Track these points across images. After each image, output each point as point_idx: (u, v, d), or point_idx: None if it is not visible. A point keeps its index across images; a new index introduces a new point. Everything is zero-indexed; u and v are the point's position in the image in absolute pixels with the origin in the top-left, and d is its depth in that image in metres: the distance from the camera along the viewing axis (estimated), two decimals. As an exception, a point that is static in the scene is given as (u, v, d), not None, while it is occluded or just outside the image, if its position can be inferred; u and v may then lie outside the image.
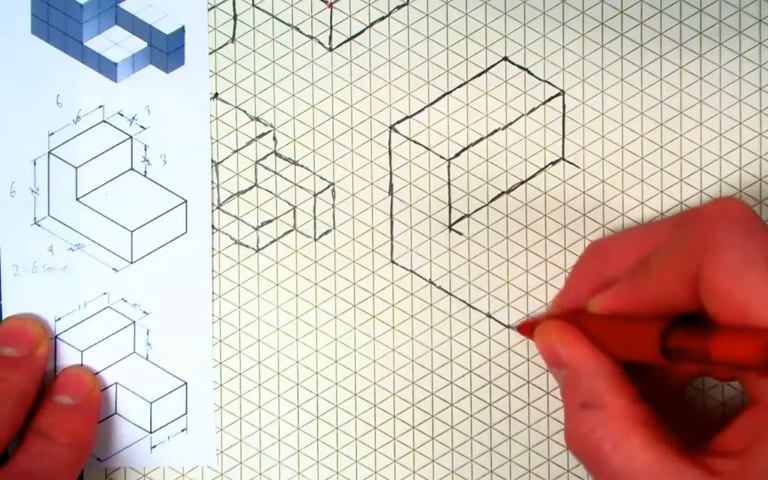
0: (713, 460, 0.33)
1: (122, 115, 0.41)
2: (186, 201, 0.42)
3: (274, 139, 0.42)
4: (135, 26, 0.41)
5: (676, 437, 0.34)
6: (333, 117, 0.42)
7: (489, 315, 0.42)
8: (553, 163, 0.41)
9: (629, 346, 0.35)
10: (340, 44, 0.41)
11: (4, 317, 0.41)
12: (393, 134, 0.42)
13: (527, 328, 0.40)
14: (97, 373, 0.42)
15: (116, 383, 0.42)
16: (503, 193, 0.42)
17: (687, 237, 0.34)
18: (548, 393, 0.42)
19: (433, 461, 0.42)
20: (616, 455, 0.34)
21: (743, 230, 0.33)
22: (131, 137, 0.41)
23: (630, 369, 0.36)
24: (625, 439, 0.34)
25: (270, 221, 0.42)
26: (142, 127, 0.41)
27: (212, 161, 0.42)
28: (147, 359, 0.42)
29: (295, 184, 0.42)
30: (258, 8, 0.41)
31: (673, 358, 0.33)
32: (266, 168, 0.42)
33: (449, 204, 0.42)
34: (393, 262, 0.42)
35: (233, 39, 0.42)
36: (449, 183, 0.41)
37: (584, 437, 0.35)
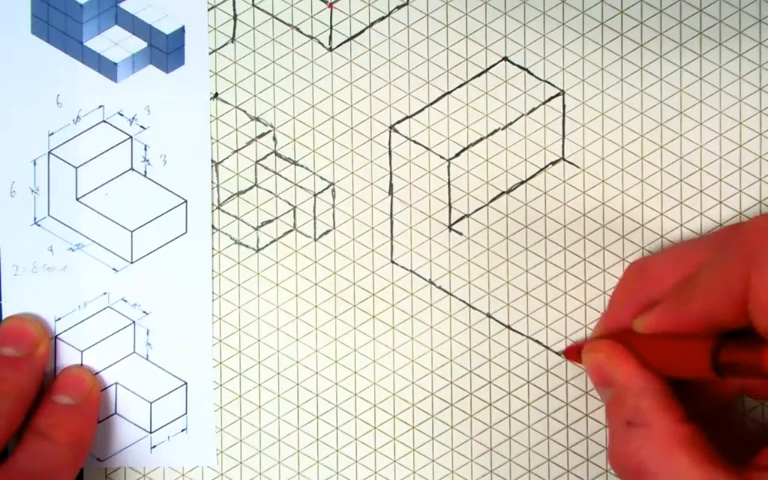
0: (760, 475, 0.33)
1: (122, 115, 0.41)
2: (186, 201, 0.42)
3: (274, 139, 0.42)
4: (135, 26, 0.41)
5: (721, 455, 0.34)
6: (333, 117, 0.42)
7: (489, 315, 0.42)
8: (553, 163, 0.41)
9: (678, 362, 0.36)
10: (340, 44, 0.41)
11: (4, 317, 0.41)
12: (393, 134, 0.42)
13: (573, 352, 0.40)
14: (97, 373, 0.42)
15: (116, 383, 0.42)
16: (503, 193, 0.41)
17: (732, 255, 0.34)
18: (548, 393, 0.42)
19: (433, 461, 0.42)
20: (663, 474, 0.34)
21: None
22: (131, 137, 0.41)
23: (674, 386, 0.36)
24: (671, 459, 0.34)
25: (270, 221, 0.42)
26: (142, 127, 0.41)
27: (212, 161, 0.42)
28: (147, 359, 0.42)
29: (295, 184, 0.42)
30: (258, 8, 0.41)
31: (724, 373, 0.34)
32: (266, 168, 0.42)
33: (449, 204, 0.42)
34: (393, 262, 0.42)
35: (233, 39, 0.42)
36: (449, 183, 0.41)
37: (629, 456, 0.35)
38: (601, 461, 0.42)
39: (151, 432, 0.42)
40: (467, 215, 0.42)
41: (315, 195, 0.42)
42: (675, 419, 0.35)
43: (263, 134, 0.42)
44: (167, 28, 0.41)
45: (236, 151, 0.42)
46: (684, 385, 0.36)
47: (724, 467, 0.33)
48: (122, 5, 0.41)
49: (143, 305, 0.42)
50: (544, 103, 0.41)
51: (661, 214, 0.41)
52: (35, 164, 0.41)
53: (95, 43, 0.41)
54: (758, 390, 0.38)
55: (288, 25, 0.41)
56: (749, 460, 0.34)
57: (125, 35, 0.41)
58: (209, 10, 0.41)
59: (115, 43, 0.41)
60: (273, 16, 0.41)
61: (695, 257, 0.37)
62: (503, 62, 0.41)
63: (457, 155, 0.41)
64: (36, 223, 0.41)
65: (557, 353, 0.41)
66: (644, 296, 0.38)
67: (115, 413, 0.42)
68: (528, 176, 0.41)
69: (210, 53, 0.41)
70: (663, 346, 0.36)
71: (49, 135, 0.41)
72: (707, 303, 0.35)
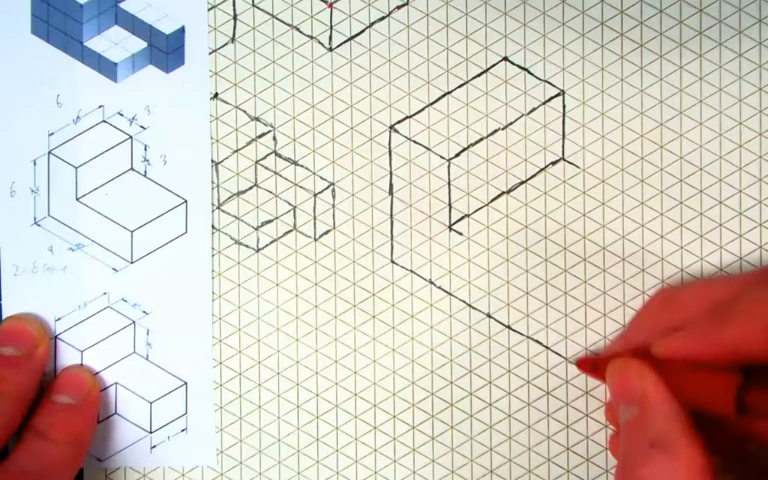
0: None
1: (122, 115, 0.41)
2: (186, 201, 0.42)
3: (274, 139, 0.42)
4: (135, 26, 0.41)
5: None
6: (333, 117, 0.42)
7: (489, 315, 0.42)
8: (553, 163, 0.41)
9: (701, 395, 0.36)
10: (340, 44, 0.41)
11: (4, 317, 0.41)
12: (393, 134, 0.42)
13: (588, 364, 0.40)
14: (97, 373, 0.42)
15: (116, 383, 0.42)
16: (503, 193, 0.42)
17: None
18: (548, 393, 0.42)
19: (433, 461, 0.42)
20: None
21: None
22: (131, 137, 0.41)
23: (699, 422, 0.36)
24: None
25: (270, 221, 0.42)
26: (142, 127, 0.41)
27: (212, 161, 0.42)
28: (147, 359, 0.42)
29: (295, 184, 0.42)
30: (258, 8, 0.41)
31: (748, 413, 0.33)
32: (266, 168, 0.42)
33: (449, 204, 0.42)
34: (393, 262, 0.42)
35: (233, 39, 0.42)
36: (449, 183, 0.41)
37: (647, 477, 0.35)
38: (601, 461, 0.42)
39: (151, 432, 0.42)
40: (467, 215, 0.42)
41: (315, 195, 0.42)
42: (700, 450, 0.35)
43: (263, 134, 0.42)
44: (167, 28, 0.41)
45: (236, 151, 0.42)
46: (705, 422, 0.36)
47: None
48: (122, 5, 0.41)
49: (143, 305, 0.42)
50: (544, 103, 0.41)
51: (661, 214, 0.41)
52: (35, 164, 0.41)
53: (95, 43, 0.41)
54: None
55: (288, 25, 0.41)
56: None
57: (125, 35, 0.41)
58: (209, 10, 0.41)
59: (115, 43, 0.41)
60: (273, 16, 0.41)
61: (728, 291, 0.37)
62: (503, 62, 0.41)
63: (457, 155, 0.41)
64: (36, 223, 0.41)
65: (557, 353, 0.41)
66: (669, 323, 0.38)
67: (115, 413, 0.42)
68: (528, 176, 0.41)
69: (210, 53, 0.41)
70: (686, 375, 0.36)
71: (49, 135, 0.41)
72: (741, 334, 0.35)
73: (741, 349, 0.35)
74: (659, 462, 0.35)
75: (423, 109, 0.41)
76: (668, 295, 0.39)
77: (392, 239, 0.42)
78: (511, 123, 0.41)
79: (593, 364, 0.40)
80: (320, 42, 0.41)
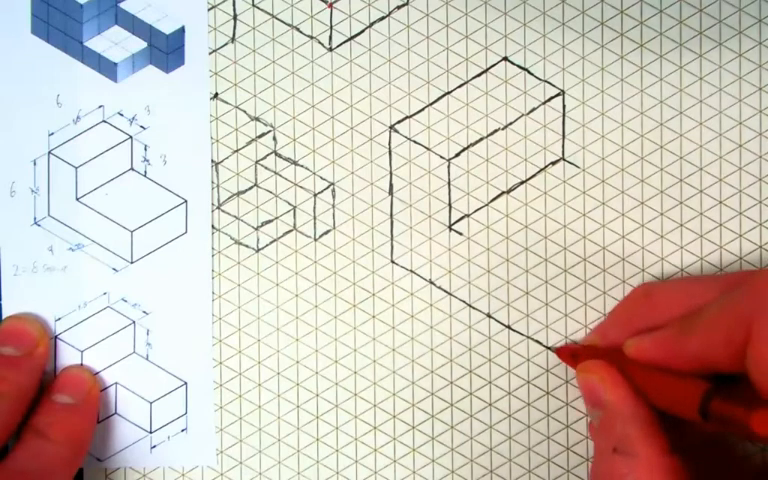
0: None
1: (122, 115, 0.41)
2: (186, 201, 0.42)
3: (274, 139, 0.42)
4: (135, 26, 0.41)
5: None
6: (333, 117, 0.42)
7: (489, 315, 0.42)
8: (553, 163, 0.41)
9: (668, 398, 0.36)
10: (340, 44, 0.41)
11: (4, 317, 0.41)
12: (393, 134, 0.42)
13: (566, 353, 0.40)
14: (97, 373, 0.42)
15: (116, 383, 0.42)
16: (503, 193, 0.42)
17: (738, 302, 0.34)
18: (548, 393, 0.42)
19: (433, 461, 0.42)
20: None
21: None
22: (131, 137, 0.41)
23: (662, 413, 0.36)
24: None
25: (270, 221, 0.42)
26: (142, 127, 0.41)
27: (212, 161, 0.42)
28: (147, 359, 0.42)
29: (295, 184, 0.42)
30: (258, 8, 0.41)
31: (711, 421, 0.33)
32: (266, 168, 0.42)
33: (449, 204, 0.42)
34: (393, 262, 0.42)
35: (233, 39, 0.42)
36: (449, 183, 0.41)
37: None
38: (601, 461, 0.42)
39: (151, 432, 0.42)
40: (467, 215, 0.42)
41: (315, 195, 0.42)
42: (660, 450, 0.35)
43: (263, 134, 0.42)
44: (167, 28, 0.41)
45: (236, 151, 0.42)
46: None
47: None
48: (122, 5, 0.41)
49: (143, 305, 0.42)
50: (544, 103, 0.41)
51: (661, 214, 0.41)
52: (35, 164, 0.41)
53: (95, 43, 0.41)
54: (747, 437, 0.38)
55: (288, 25, 0.41)
56: None
57: (125, 35, 0.41)
58: (209, 10, 0.41)
59: (115, 43, 0.41)
60: (273, 16, 0.41)
61: (704, 293, 0.37)
62: (503, 62, 0.41)
63: (457, 155, 0.41)
64: (36, 223, 0.41)
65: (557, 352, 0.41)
66: (645, 320, 0.38)
67: (115, 413, 0.42)
68: (528, 176, 0.41)
69: (210, 53, 0.41)
70: (654, 378, 0.36)
71: (49, 135, 0.41)
72: (705, 345, 0.35)
73: (704, 360, 0.35)
74: (622, 466, 0.35)
75: (423, 109, 0.41)
76: (647, 291, 0.39)
77: (392, 239, 0.42)
78: (511, 123, 0.41)
79: (572, 353, 0.40)
80: (320, 42, 0.41)
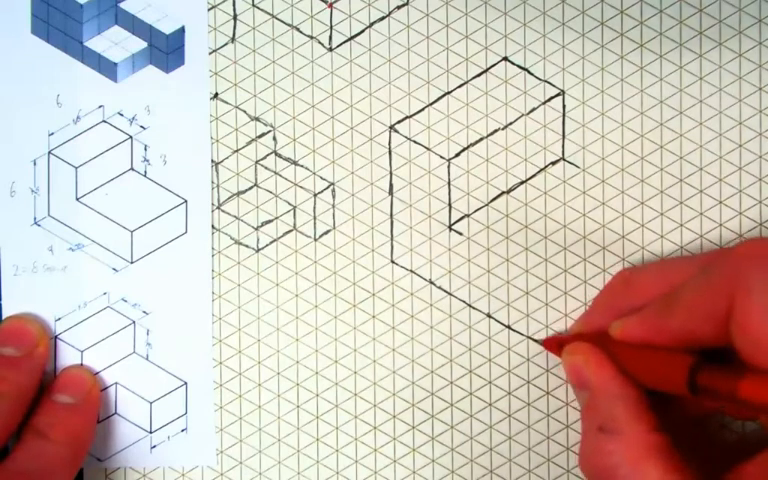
0: None
1: (122, 115, 0.41)
2: (186, 201, 0.42)
3: (274, 139, 0.42)
4: (135, 26, 0.41)
5: (693, 466, 0.34)
6: (333, 117, 0.42)
7: (489, 315, 0.42)
8: (553, 163, 0.41)
9: (656, 375, 0.36)
10: (340, 44, 0.41)
11: (4, 317, 0.41)
12: (393, 134, 0.42)
13: (553, 344, 0.40)
14: (97, 373, 0.42)
15: (116, 383, 0.42)
16: (503, 193, 0.42)
17: (718, 275, 0.34)
18: (548, 393, 0.42)
19: (433, 461, 0.42)
20: None
21: None
22: (131, 137, 0.41)
23: (650, 394, 0.36)
24: (640, 468, 0.34)
25: (270, 221, 0.42)
26: (142, 127, 0.41)
27: (212, 161, 0.42)
28: (147, 359, 0.42)
29: (295, 184, 0.42)
30: (258, 8, 0.41)
31: (699, 393, 0.34)
32: (266, 168, 0.42)
33: (449, 204, 0.42)
34: (393, 262, 0.42)
35: (233, 39, 0.42)
36: (449, 183, 0.42)
37: (600, 461, 0.35)
38: (601, 461, 0.42)
39: (151, 432, 0.42)
40: (467, 215, 0.42)
41: (315, 195, 0.42)
42: (647, 428, 0.35)
43: (263, 134, 0.42)
44: (167, 28, 0.41)
45: (236, 151, 0.42)
46: (663, 394, 0.36)
47: (694, 478, 0.33)
48: (122, 5, 0.41)
49: (143, 305, 0.42)
50: (544, 103, 0.41)
51: (661, 214, 0.41)
52: (35, 164, 0.41)
53: (95, 43, 0.41)
54: (739, 411, 0.38)
55: (288, 25, 0.41)
56: (724, 473, 0.34)
57: (125, 35, 0.41)
58: (209, 10, 0.41)
59: (115, 43, 0.41)
60: (273, 16, 0.41)
61: (683, 273, 0.37)
62: (503, 62, 0.41)
63: (457, 155, 0.41)
64: (36, 223, 0.41)
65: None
66: (627, 304, 0.38)
67: (115, 413, 0.42)
68: (528, 176, 0.41)
69: (210, 53, 0.41)
70: (641, 356, 0.36)
71: (49, 135, 0.41)
72: (688, 319, 0.35)
73: (689, 335, 0.35)
74: (608, 445, 0.35)
75: (423, 109, 0.41)
76: (626, 277, 0.39)
77: (392, 239, 0.42)
78: (511, 123, 0.41)
79: (558, 343, 0.40)
80: (320, 42, 0.41)
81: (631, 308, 0.38)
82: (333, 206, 0.42)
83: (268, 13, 0.41)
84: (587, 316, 0.41)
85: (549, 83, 0.41)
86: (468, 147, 0.41)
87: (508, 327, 0.42)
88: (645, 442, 0.34)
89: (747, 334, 0.33)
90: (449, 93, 0.41)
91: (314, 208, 0.42)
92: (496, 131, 0.41)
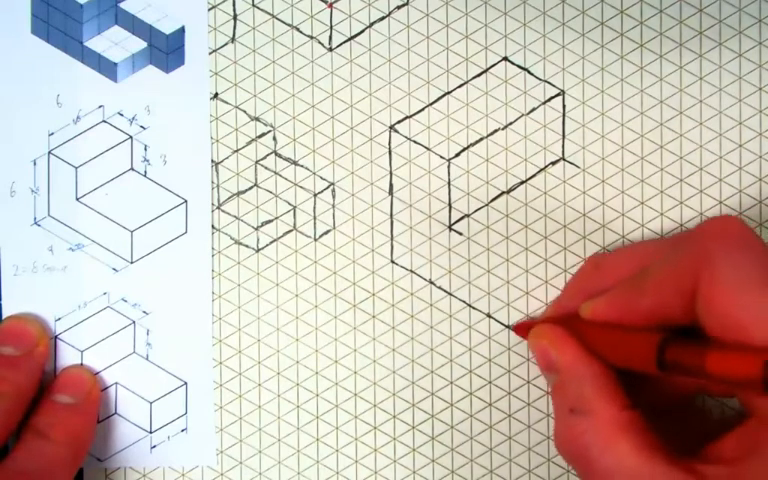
0: (704, 466, 0.33)
1: (122, 115, 0.41)
2: (186, 201, 0.42)
3: (274, 139, 0.42)
4: (135, 26, 0.41)
5: (667, 444, 0.34)
6: (333, 117, 0.42)
7: (489, 315, 0.42)
8: (553, 163, 0.41)
9: (625, 354, 0.36)
10: (340, 44, 0.41)
11: (4, 317, 0.41)
12: (393, 134, 0.42)
13: (523, 329, 0.41)
14: (97, 373, 0.42)
15: (116, 383, 0.42)
16: (503, 193, 0.42)
17: (684, 253, 0.34)
18: (548, 393, 0.42)
19: (433, 461, 0.42)
20: (604, 460, 0.34)
21: (741, 248, 0.33)
22: (131, 137, 0.41)
23: (630, 377, 0.36)
24: (612, 445, 0.34)
25: (270, 221, 0.42)
26: (142, 127, 0.41)
27: (212, 161, 0.42)
28: (147, 359, 0.42)
29: (295, 184, 0.42)
30: (258, 8, 0.41)
31: (668, 370, 0.34)
32: (266, 168, 0.42)
33: (449, 204, 0.42)
34: (393, 262, 0.42)
35: (233, 39, 0.42)
36: (449, 183, 0.42)
37: (573, 442, 0.35)
38: (601, 461, 0.42)
39: (151, 432, 0.42)
40: (467, 215, 0.42)
41: (315, 195, 0.42)
42: (617, 406, 0.35)
43: (263, 134, 0.42)
44: (167, 28, 0.41)
45: (236, 151, 0.42)
46: (640, 375, 0.36)
47: (664, 454, 0.33)
48: (122, 5, 0.41)
49: (143, 305, 0.42)
50: (544, 103, 0.41)
51: (661, 214, 0.41)
52: (35, 164, 0.41)
53: (95, 43, 0.41)
54: (714, 388, 0.38)
55: (288, 25, 0.41)
56: (702, 449, 0.34)
57: (125, 35, 0.41)
58: (209, 10, 0.41)
59: (115, 43, 0.41)
60: (273, 16, 0.42)
61: (651, 253, 0.37)
62: (503, 62, 0.41)
63: (457, 155, 0.41)
64: (36, 223, 0.41)
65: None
66: (597, 288, 0.38)
67: (115, 413, 0.42)
68: (528, 176, 0.41)
69: (210, 53, 0.41)
70: (610, 336, 0.36)
71: (49, 135, 0.41)
72: (656, 297, 0.35)
73: (658, 314, 0.35)
74: (579, 425, 0.35)
75: (423, 109, 0.41)
76: (596, 262, 0.40)
77: (392, 239, 0.42)
78: (511, 123, 0.41)
79: (528, 328, 0.40)
80: (320, 42, 0.41)
81: (601, 290, 0.38)
82: (333, 206, 0.42)
83: (268, 13, 0.41)
84: (559, 301, 0.41)
85: (549, 83, 0.41)
86: (468, 147, 0.41)
87: (508, 327, 0.42)
88: (616, 420, 0.34)
89: (712, 308, 0.33)
90: (449, 93, 0.41)
91: (314, 208, 0.42)
92: (496, 131, 0.41)
